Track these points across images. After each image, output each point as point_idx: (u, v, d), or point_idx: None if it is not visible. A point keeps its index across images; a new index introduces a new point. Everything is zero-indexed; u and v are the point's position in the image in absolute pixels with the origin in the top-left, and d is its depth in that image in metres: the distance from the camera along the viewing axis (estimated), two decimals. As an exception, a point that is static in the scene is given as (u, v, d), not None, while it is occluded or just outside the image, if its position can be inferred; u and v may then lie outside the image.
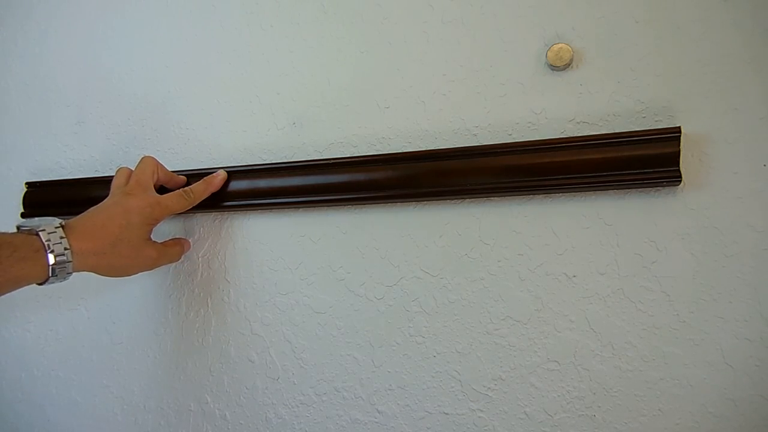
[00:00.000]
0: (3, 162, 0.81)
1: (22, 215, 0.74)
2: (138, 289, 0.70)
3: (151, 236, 0.59)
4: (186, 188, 0.60)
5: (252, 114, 0.65)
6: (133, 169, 0.61)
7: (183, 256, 0.67)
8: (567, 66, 0.52)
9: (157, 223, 0.58)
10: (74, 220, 0.54)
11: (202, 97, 0.69)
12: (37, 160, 0.78)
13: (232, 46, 0.67)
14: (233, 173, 0.62)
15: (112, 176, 0.61)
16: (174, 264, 0.68)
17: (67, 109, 0.77)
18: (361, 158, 0.57)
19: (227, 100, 0.67)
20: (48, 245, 0.49)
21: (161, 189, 0.62)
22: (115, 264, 0.55)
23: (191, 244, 0.67)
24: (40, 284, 0.51)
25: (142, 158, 0.61)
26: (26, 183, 0.75)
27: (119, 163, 0.72)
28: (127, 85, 0.74)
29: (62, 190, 0.72)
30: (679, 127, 0.46)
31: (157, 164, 0.61)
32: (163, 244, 0.62)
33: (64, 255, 0.50)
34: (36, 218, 0.53)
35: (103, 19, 0.76)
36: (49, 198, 0.73)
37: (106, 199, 0.58)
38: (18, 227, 0.52)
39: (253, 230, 0.64)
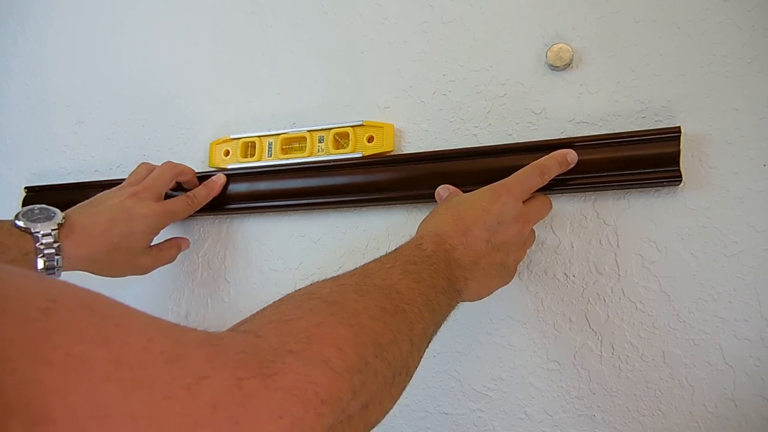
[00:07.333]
0: (3, 162, 0.81)
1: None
2: (138, 289, 0.70)
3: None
4: (189, 193, 0.60)
5: (252, 114, 0.65)
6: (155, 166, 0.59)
7: (182, 256, 0.66)
8: (567, 66, 0.51)
9: (161, 231, 0.57)
10: (76, 217, 0.52)
11: (202, 97, 0.68)
12: (37, 160, 0.78)
13: (232, 46, 0.67)
14: (233, 175, 0.62)
15: (112, 180, 0.60)
16: (174, 264, 0.67)
17: (67, 109, 0.77)
18: (361, 160, 0.57)
19: (227, 100, 0.67)
20: (40, 249, 0.48)
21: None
22: (107, 269, 0.55)
23: (190, 242, 0.65)
24: None
25: (165, 163, 0.59)
26: (25, 187, 0.74)
27: (119, 163, 0.72)
28: (127, 85, 0.73)
29: (61, 194, 0.71)
30: (679, 127, 0.46)
31: (178, 173, 0.59)
32: (158, 247, 0.60)
33: (54, 261, 0.49)
34: (39, 206, 0.52)
35: (102, 20, 0.76)
36: (48, 202, 0.72)
37: (113, 192, 0.56)
38: (17, 216, 0.51)
39: (252, 230, 0.64)
